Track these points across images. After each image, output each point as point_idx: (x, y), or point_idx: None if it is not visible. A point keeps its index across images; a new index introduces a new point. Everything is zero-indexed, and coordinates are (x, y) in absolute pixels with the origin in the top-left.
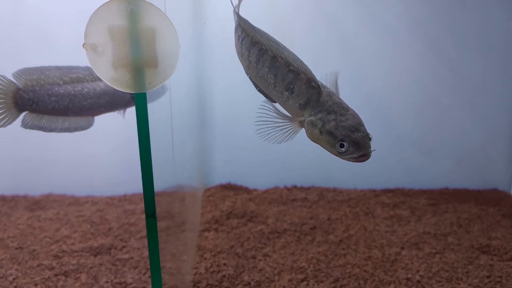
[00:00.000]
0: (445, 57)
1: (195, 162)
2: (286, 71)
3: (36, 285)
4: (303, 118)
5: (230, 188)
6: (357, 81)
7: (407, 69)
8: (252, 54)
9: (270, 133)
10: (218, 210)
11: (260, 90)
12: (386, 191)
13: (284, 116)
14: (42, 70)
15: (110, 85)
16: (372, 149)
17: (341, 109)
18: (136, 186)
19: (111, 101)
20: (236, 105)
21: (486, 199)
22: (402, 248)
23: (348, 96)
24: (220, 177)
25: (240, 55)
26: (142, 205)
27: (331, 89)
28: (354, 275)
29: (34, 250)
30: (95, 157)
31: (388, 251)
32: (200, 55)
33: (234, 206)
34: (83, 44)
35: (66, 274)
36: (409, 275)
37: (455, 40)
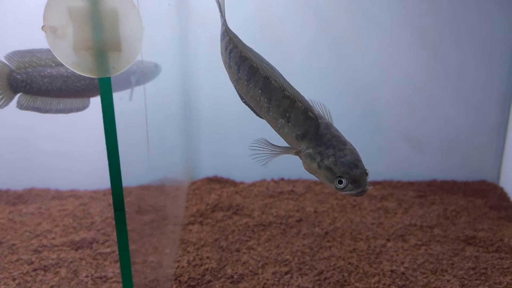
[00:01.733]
0: (434, 49)
1: (179, 155)
2: (281, 96)
3: (14, 280)
4: (299, 148)
5: (216, 181)
6: (345, 75)
7: (395, 62)
8: (242, 70)
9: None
10: (203, 203)
11: (245, 102)
12: (374, 183)
13: (279, 148)
14: (34, 53)
15: (72, 69)
16: (369, 186)
17: (339, 143)
18: (130, 181)
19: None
20: (223, 97)
21: (474, 191)
22: (388, 240)
23: (337, 89)
24: (207, 170)
25: (228, 66)
26: (129, 199)
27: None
28: (338, 268)
29: (13, 244)
30: (79, 151)
31: (374, 243)
32: (184, 46)
33: (219, 199)
34: (42, 27)
35: (45, 269)
36: (394, 267)
37: (445, 32)
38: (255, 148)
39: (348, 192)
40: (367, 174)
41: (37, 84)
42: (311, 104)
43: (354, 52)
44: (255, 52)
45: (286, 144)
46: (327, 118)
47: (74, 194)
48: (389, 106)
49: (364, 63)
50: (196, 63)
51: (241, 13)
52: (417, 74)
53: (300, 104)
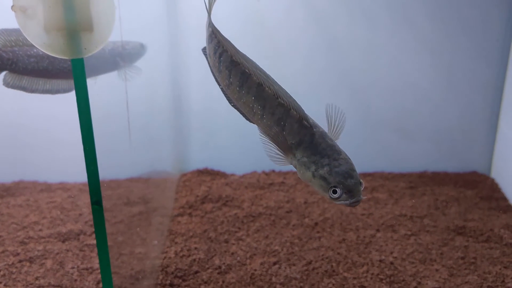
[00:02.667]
0: (425, 40)
1: (169, 147)
2: (275, 104)
3: None
4: (294, 156)
5: (207, 173)
6: (334, 65)
7: (385, 52)
8: (234, 75)
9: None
10: (193, 195)
11: (234, 106)
12: (365, 175)
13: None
14: (20, 32)
15: (43, 51)
16: (363, 197)
17: (334, 152)
18: (112, 172)
19: (98, 65)
20: (214, 89)
21: (465, 182)
22: (378, 230)
23: (328, 81)
24: (197, 162)
25: (217, 70)
26: (117, 191)
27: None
28: (327, 258)
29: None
30: (69, 143)
31: (363, 233)
32: (173, 35)
33: (209, 191)
34: (12, 7)
35: (31, 260)
36: (383, 257)
37: (436, 23)
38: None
39: (342, 202)
40: (361, 183)
41: (23, 63)
42: (306, 112)
43: (345, 44)
44: (246, 56)
45: None
46: (340, 125)
47: (63, 187)
48: (381, 98)
49: (355, 55)
50: (187, 53)
51: (234, 9)
52: (409, 65)
53: (295, 113)
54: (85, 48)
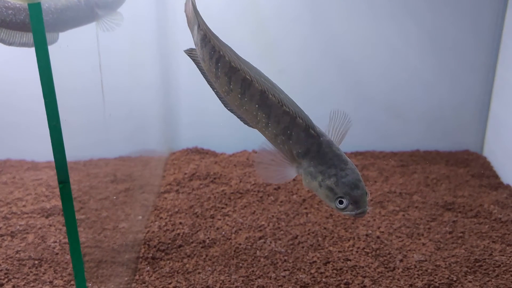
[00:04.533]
0: (418, 19)
1: (158, 125)
2: (281, 112)
3: None
4: (300, 165)
5: (196, 152)
6: (329, 46)
7: (378, 32)
8: (234, 82)
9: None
10: (181, 172)
11: (231, 110)
12: (356, 154)
13: (284, 158)
14: None
15: None
16: (368, 208)
17: (341, 162)
18: (102, 150)
19: (75, 17)
20: None
21: (457, 160)
22: None
23: (320, 61)
24: (187, 141)
25: (214, 76)
26: (106, 169)
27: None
28: (313, 233)
29: None
30: (67, 125)
31: None
32: (161, 6)
33: (197, 168)
34: None
35: (12, 235)
36: (369, 232)
37: (428, 2)
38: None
39: (348, 212)
40: (367, 194)
41: (1, 15)
42: (312, 121)
43: (337, 24)
44: (247, 62)
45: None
46: (344, 127)
47: (50, 165)
48: (372, 77)
49: (347, 34)
50: (176, 29)
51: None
52: (401, 44)
53: (301, 121)
54: None
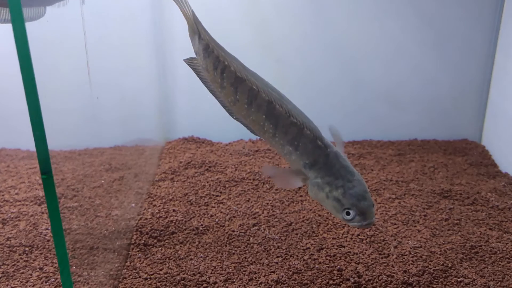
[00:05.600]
0: (417, 8)
1: (154, 115)
2: (288, 123)
3: None
4: (307, 176)
5: (192, 141)
6: (325, 34)
7: (378, 21)
8: (241, 93)
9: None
10: (176, 161)
11: (237, 119)
12: (353, 143)
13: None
14: None
15: None
16: (376, 218)
17: (348, 173)
18: (98, 140)
19: None
20: None
21: (455, 149)
22: None
23: (319, 50)
24: (183, 131)
25: (219, 86)
26: (101, 158)
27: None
28: (307, 220)
29: None
30: (53, 111)
31: None
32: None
33: (193, 157)
34: None
35: (3, 222)
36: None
37: None
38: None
39: (355, 223)
40: (374, 205)
41: None
42: (320, 132)
43: (336, 14)
44: (254, 72)
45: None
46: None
47: None
48: (371, 67)
49: (346, 23)
50: (171, 16)
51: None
52: (400, 35)
53: (309, 132)
54: None
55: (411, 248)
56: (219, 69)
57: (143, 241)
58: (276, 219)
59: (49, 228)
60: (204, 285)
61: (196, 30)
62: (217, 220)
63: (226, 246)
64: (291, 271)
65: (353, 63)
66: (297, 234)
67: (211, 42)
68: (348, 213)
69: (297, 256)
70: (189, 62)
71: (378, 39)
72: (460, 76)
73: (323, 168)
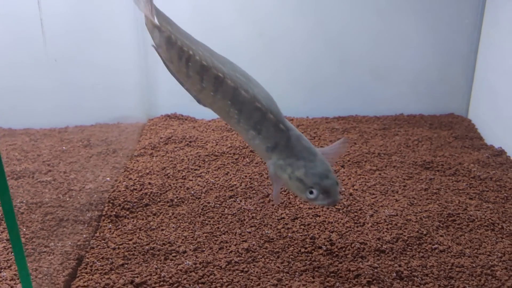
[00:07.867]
0: None
1: (135, 92)
2: (252, 108)
3: None
4: (270, 159)
5: (175, 118)
6: (311, 10)
7: None
8: (206, 81)
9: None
10: (157, 137)
11: (205, 105)
12: (338, 118)
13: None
14: None
15: None
16: (340, 197)
17: (310, 154)
18: (79, 118)
19: None
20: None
21: (441, 123)
22: (342, 166)
23: (302, 24)
24: (166, 107)
25: (185, 75)
26: (80, 136)
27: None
28: (285, 191)
29: None
30: (35, 89)
31: None
32: None
33: (174, 133)
34: None
35: None
36: (343, 189)
37: None
38: None
39: (319, 202)
40: (337, 183)
41: None
42: (282, 115)
43: None
44: (221, 56)
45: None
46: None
47: (26, 132)
48: (357, 41)
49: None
50: None
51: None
52: (385, 6)
53: (272, 116)
54: None
55: (386, 216)
56: (183, 59)
57: (114, 213)
58: (254, 191)
59: (24, 201)
60: (173, 254)
61: (155, 23)
62: (193, 192)
63: (199, 217)
64: (263, 239)
65: (339, 39)
66: (273, 205)
67: (174, 33)
68: (311, 192)
69: (270, 225)
70: (156, 48)
71: (363, 13)
72: (447, 47)
73: (284, 150)
